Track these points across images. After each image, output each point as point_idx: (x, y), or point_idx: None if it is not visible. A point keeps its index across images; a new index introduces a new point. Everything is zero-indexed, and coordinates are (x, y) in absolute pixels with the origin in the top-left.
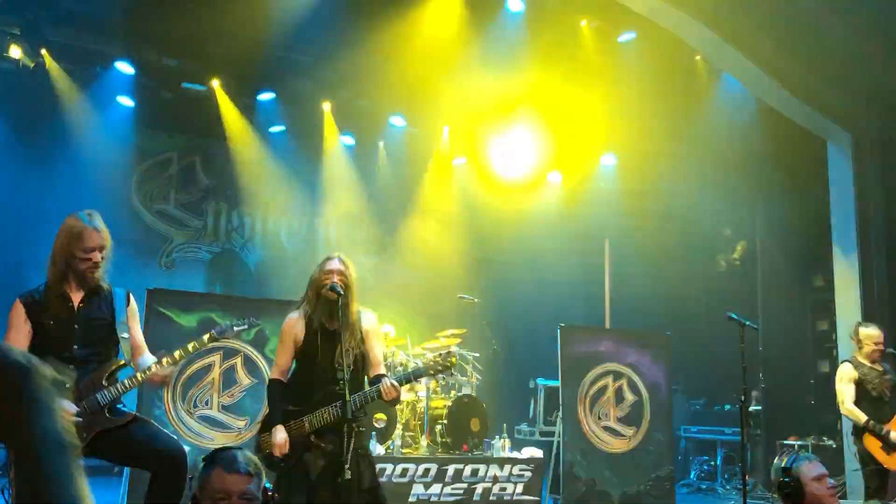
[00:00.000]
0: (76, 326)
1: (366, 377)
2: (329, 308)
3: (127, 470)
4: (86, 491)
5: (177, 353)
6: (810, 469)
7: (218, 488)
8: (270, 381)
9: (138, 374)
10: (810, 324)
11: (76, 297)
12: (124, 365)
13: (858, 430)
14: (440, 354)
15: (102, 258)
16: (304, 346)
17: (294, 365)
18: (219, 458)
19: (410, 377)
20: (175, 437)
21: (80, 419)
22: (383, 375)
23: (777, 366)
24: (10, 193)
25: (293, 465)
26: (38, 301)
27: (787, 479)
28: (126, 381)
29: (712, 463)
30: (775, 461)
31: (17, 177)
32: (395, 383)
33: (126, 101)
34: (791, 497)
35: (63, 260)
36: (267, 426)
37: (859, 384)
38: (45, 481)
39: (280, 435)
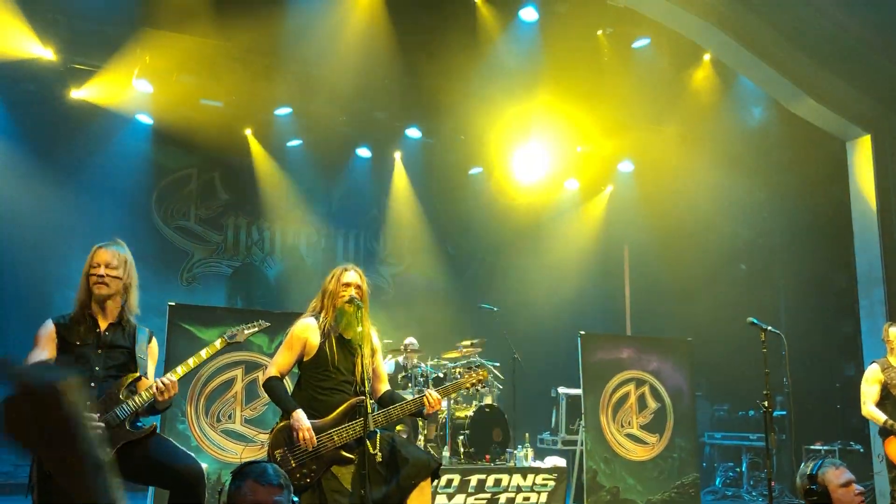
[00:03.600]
0: (99, 351)
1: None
2: (345, 320)
3: None
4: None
5: (191, 360)
6: (837, 475)
7: (251, 500)
8: (270, 378)
9: (154, 384)
10: (835, 326)
11: (103, 324)
12: (139, 378)
13: (882, 433)
14: (471, 369)
15: (113, 276)
16: (317, 353)
17: (304, 371)
18: (250, 471)
19: (448, 390)
20: (198, 451)
21: (107, 433)
22: (392, 391)
23: (802, 370)
24: (33, 212)
25: (318, 479)
26: (68, 324)
27: (813, 487)
28: (143, 394)
29: (737, 469)
30: (801, 468)
31: (39, 196)
32: (439, 395)
33: (145, 119)
34: None
35: (84, 281)
36: (281, 434)
37: (885, 386)
38: (88, 498)
39: (304, 420)
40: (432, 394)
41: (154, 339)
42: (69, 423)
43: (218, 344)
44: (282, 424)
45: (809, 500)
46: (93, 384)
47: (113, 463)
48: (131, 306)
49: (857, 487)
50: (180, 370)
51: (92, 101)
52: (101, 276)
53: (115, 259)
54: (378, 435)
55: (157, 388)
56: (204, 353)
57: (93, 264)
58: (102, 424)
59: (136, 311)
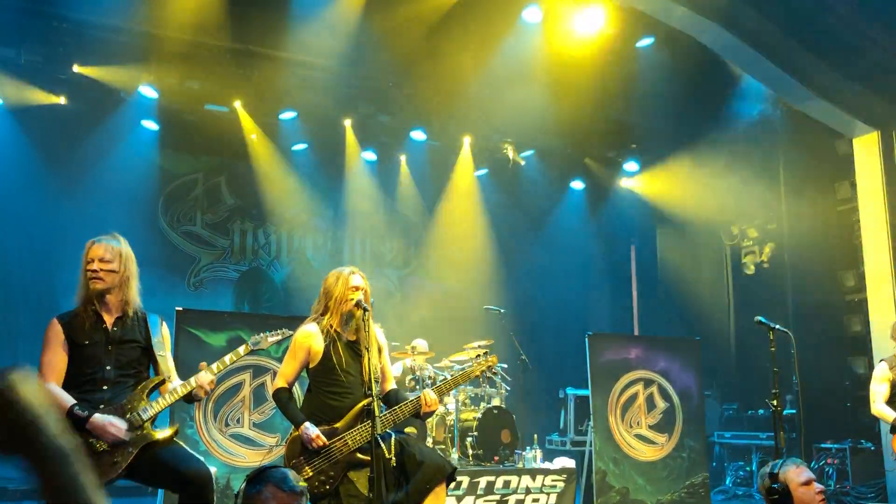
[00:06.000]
0: (109, 348)
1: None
2: (352, 323)
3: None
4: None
5: (215, 366)
6: (797, 474)
7: None
8: (278, 389)
9: (178, 388)
10: (843, 324)
11: (109, 319)
12: (163, 381)
13: (893, 430)
14: (478, 356)
15: (107, 270)
16: (324, 358)
17: (313, 377)
18: (271, 476)
19: (458, 381)
20: (207, 455)
21: (132, 433)
22: (398, 390)
23: (811, 368)
24: (41, 218)
25: (336, 487)
26: (74, 322)
27: (775, 486)
28: (168, 395)
29: (748, 468)
30: (762, 468)
31: (47, 202)
32: (435, 395)
33: (150, 125)
34: (779, 503)
35: (82, 278)
36: (295, 444)
37: (893, 384)
38: (61, 489)
39: (313, 429)
40: (428, 393)
41: (164, 324)
42: (24, 416)
43: (242, 350)
44: (295, 434)
45: (770, 499)
46: (105, 387)
47: (80, 449)
48: (129, 299)
49: (817, 486)
50: (205, 373)
51: (98, 107)
52: (95, 271)
53: (108, 253)
54: (392, 438)
55: (205, 392)
56: (228, 360)
57: (87, 260)
58: (127, 427)
59: (136, 303)
